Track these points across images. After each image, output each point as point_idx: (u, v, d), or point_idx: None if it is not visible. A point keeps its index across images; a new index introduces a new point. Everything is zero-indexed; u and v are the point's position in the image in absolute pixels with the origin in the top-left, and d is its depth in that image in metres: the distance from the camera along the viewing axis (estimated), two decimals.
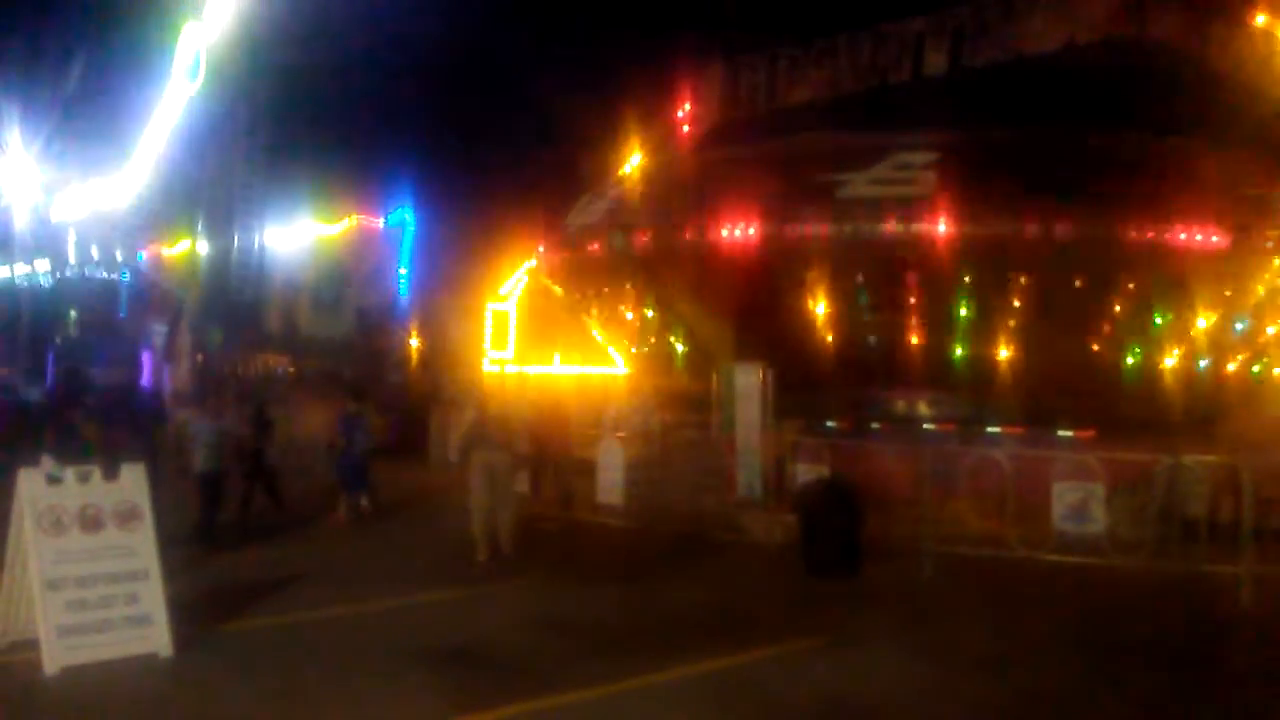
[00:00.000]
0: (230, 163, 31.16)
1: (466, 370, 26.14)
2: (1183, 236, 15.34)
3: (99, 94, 36.62)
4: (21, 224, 38.20)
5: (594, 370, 26.93)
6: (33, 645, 7.36)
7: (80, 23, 36.71)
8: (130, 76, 35.27)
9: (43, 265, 40.14)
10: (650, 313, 20.36)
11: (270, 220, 33.97)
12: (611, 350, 24.59)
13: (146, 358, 31.83)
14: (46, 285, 40.47)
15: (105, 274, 44.19)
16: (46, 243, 40.51)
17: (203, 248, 33.04)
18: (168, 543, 8.50)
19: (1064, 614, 9.96)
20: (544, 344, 27.91)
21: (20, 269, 41.40)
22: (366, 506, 14.28)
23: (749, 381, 14.96)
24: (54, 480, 7.69)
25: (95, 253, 40.25)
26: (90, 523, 7.65)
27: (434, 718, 6.83)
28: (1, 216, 38.01)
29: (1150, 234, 15.20)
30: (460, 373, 26.28)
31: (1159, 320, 16.74)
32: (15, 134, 36.15)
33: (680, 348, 20.10)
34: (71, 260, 41.50)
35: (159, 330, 35.08)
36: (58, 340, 40.38)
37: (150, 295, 41.41)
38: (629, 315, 21.08)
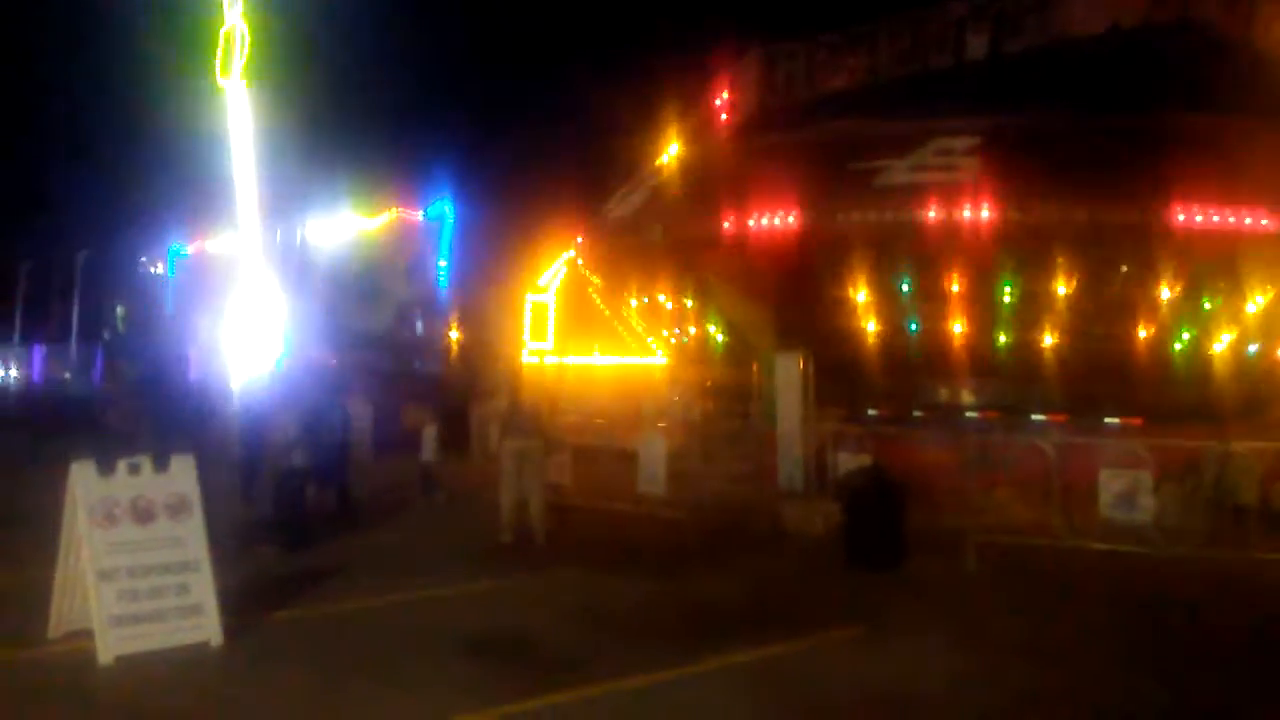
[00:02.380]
0: (271, 157, 31.43)
1: (500, 359, 26.22)
2: (1231, 219, 15.07)
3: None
4: None
5: (633, 361, 26.94)
6: (87, 635, 7.49)
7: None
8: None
9: None
10: (690, 303, 20.34)
11: (311, 214, 34.28)
12: (651, 341, 24.59)
13: (192, 352, 32.27)
14: None
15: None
16: None
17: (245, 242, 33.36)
18: (221, 534, 8.62)
19: (1111, 603, 9.85)
20: (583, 335, 27.96)
21: None
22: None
23: (789, 371, 14.92)
24: (104, 472, 7.82)
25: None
26: (142, 514, 7.77)
27: (477, 706, 6.88)
28: None
29: (1198, 217, 14.94)
30: (494, 362, 26.35)
31: (1207, 305, 16.47)
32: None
33: (720, 337, 20.07)
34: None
35: (204, 325, 35.53)
36: (106, 336, 41.07)
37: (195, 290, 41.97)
38: (668, 305, 21.07)
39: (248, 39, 31.95)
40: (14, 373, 41.54)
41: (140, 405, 12.93)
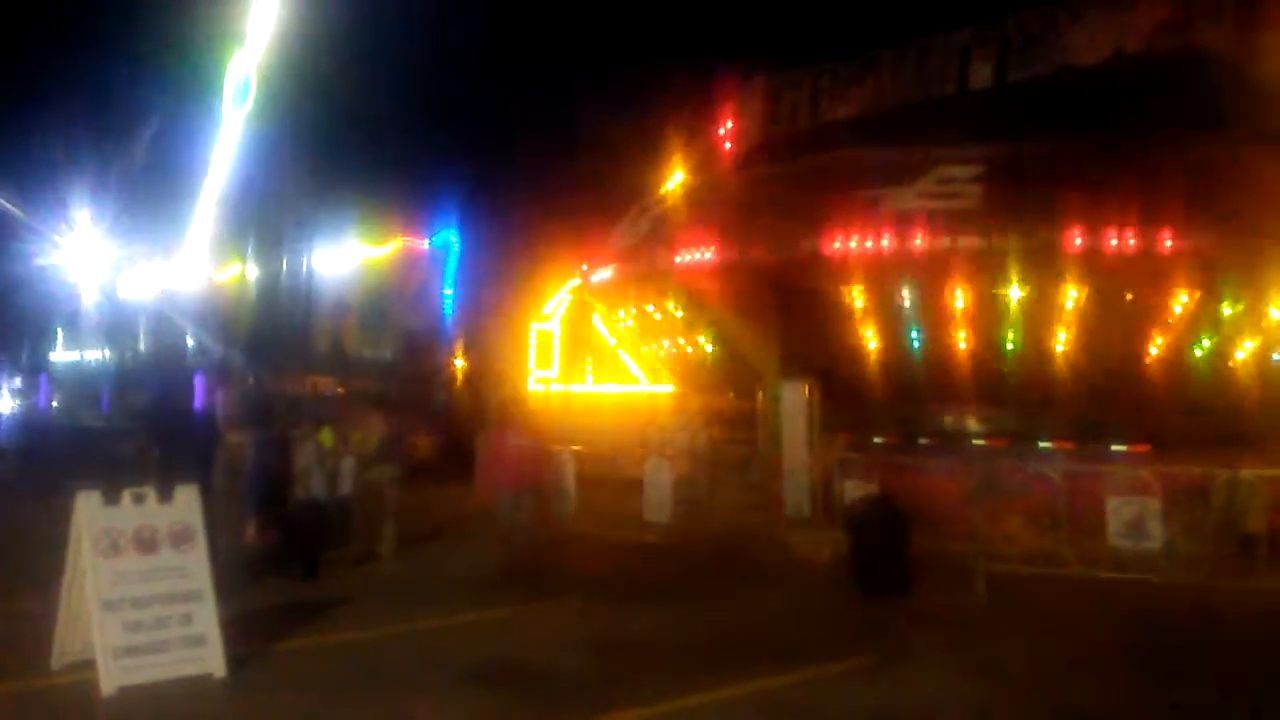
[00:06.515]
0: (279, 187, 31.70)
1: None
2: (1233, 246, 15.03)
3: (158, 164, 37.53)
4: (90, 303, 39.71)
5: (638, 389, 26.94)
6: (90, 666, 7.45)
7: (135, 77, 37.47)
8: (189, 132, 35.91)
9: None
10: (694, 330, 20.34)
11: (318, 243, 34.46)
12: (656, 369, 24.58)
13: (199, 381, 32.30)
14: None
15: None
16: (114, 323, 42.17)
17: (252, 271, 33.56)
18: (228, 563, 8.59)
19: (1120, 633, 9.77)
20: (587, 363, 28.00)
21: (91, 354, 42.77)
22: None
23: (795, 398, 14.92)
24: (108, 502, 7.80)
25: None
26: (146, 544, 7.73)
27: None
28: (70, 296, 39.40)
29: (1202, 243, 14.92)
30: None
31: (1213, 332, 16.42)
32: (82, 211, 37.25)
33: (725, 365, 20.04)
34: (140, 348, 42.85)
35: (211, 354, 35.66)
36: (115, 369, 41.24)
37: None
38: (673, 333, 21.07)
39: (255, 72, 32.30)
40: (22, 401, 41.75)
41: (150, 435, 12.79)
